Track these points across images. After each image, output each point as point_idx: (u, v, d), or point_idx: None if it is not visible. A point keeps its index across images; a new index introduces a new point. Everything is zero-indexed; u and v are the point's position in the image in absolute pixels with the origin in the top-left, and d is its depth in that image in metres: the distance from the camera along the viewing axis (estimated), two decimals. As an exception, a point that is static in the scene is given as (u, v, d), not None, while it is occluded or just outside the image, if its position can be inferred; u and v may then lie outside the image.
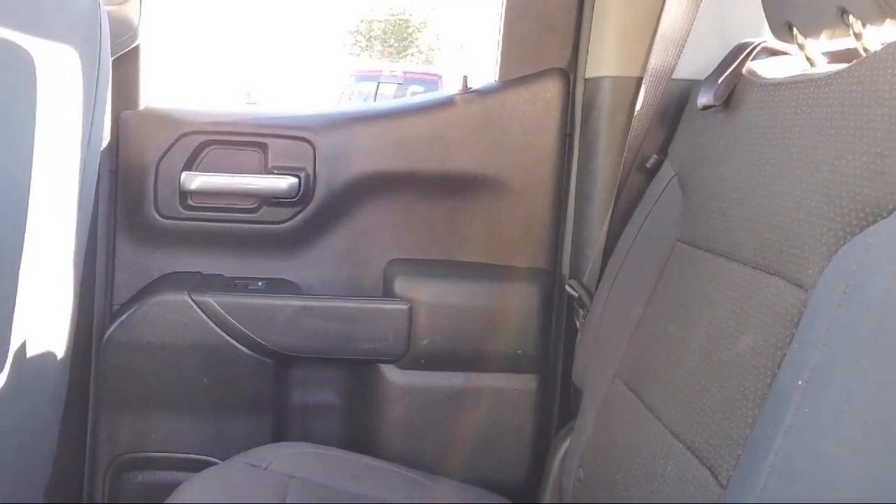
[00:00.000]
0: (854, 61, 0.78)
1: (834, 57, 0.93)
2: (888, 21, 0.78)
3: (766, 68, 1.01)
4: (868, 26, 0.81)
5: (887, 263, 0.62)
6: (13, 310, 0.87)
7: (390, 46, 28.22)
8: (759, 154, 0.89)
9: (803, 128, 0.82)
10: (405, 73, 9.93)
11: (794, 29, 0.92)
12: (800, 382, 0.67)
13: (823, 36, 0.89)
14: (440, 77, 9.52)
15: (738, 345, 0.80)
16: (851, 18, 0.81)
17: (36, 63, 0.81)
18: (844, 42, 0.87)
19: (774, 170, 0.84)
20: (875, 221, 0.67)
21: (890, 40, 0.74)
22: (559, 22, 1.29)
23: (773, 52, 1.06)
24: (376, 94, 9.71)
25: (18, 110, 0.81)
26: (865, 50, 0.82)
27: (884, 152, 0.67)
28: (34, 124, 0.84)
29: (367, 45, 28.87)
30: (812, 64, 0.94)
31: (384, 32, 28.92)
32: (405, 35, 28.26)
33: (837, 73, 0.80)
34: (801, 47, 0.93)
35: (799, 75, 0.90)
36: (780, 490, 0.65)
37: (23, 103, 0.81)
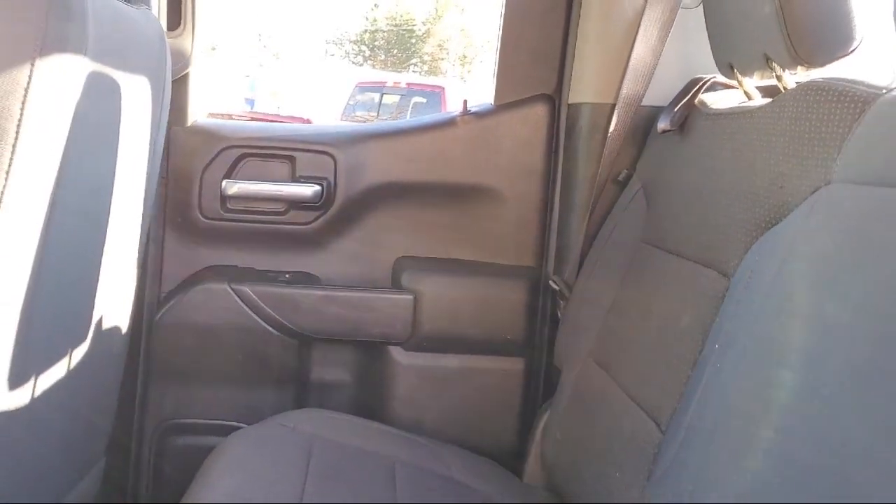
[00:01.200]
0: (772, 98, 0.99)
1: (765, 91, 1.13)
2: (799, 67, 0.99)
3: (714, 99, 1.22)
4: (787, 70, 1.01)
5: (778, 254, 0.83)
6: (95, 294, 1.07)
7: (393, 56, 28.42)
8: (701, 171, 1.10)
9: (734, 150, 1.03)
10: (408, 84, 10.11)
11: (735, 69, 1.12)
12: (716, 346, 0.88)
13: (756, 76, 1.10)
14: (443, 89, 9.69)
15: (680, 323, 1.01)
16: (774, 63, 1.02)
17: (122, 91, 1.02)
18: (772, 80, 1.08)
19: (711, 183, 1.05)
20: (775, 224, 0.87)
21: (802, 81, 0.95)
22: (547, 53, 1.49)
23: (724, 86, 1.27)
24: (379, 104, 9.91)
25: (109, 128, 1.02)
26: (785, 88, 1.03)
27: (783, 172, 0.88)
28: (118, 139, 1.04)
29: (370, 55, 29.09)
30: (749, 97, 1.14)
31: (387, 42, 29.15)
32: (408, 45, 28.49)
33: (760, 107, 1.01)
34: (740, 83, 1.13)
35: (735, 107, 1.11)
36: (699, 427, 0.85)
37: (112, 122, 1.02)
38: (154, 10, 1.38)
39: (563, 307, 1.43)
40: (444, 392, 1.47)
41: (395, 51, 28.67)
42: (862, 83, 0.84)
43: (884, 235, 0.69)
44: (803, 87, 0.91)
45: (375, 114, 9.84)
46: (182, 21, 1.43)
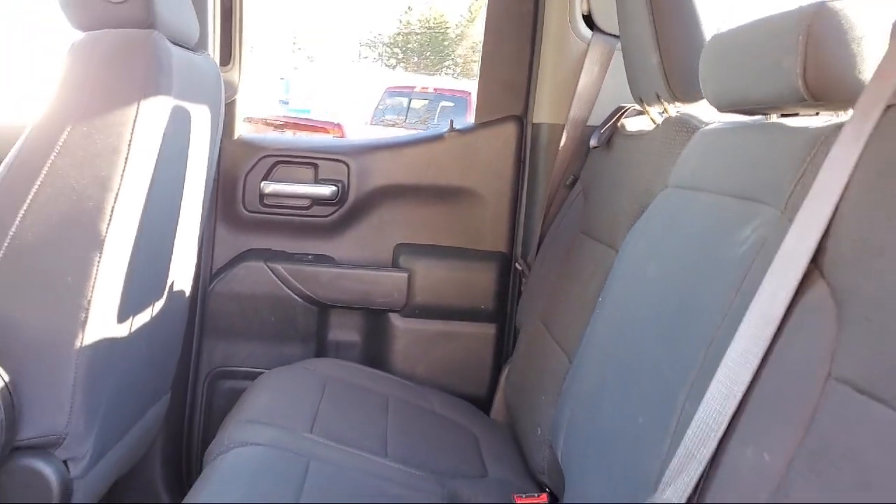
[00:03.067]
0: (654, 126, 1.37)
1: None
2: (677, 102, 1.37)
3: (631, 123, 1.60)
4: (670, 104, 1.39)
5: (635, 234, 1.21)
6: (169, 266, 1.49)
7: (426, 59, 28.82)
8: (614, 177, 1.48)
9: (631, 163, 1.41)
10: (436, 89, 10.43)
11: (643, 101, 1.50)
12: (600, 299, 1.26)
13: (655, 107, 1.47)
14: (469, 94, 10.02)
15: (589, 287, 1.39)
16: (662, 99, 1.40)
17: (192, 118, 1.43)
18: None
19: (618, 187, 1.44)
20: (640, 214, 1.26)
21: (669, 115, 1.32)
22: (517, 82, 1.88)
23: (639, 112, 1.65)
24: (408, 109, 10.29)
25: (183, 145, 1.43)
26: (653, 121, 1.40)
27: (650, 178, 1.26)
28: (188, 154, 1.46)
29: (402, 58, 29.54)
30: (653, 122, 1.52)
31: (420, 45, 29.57)
32: (441, 47, 28.88)
33: (647, 132, 1.39)
34: (647, 112, 1.51)
35: (636, 131, 1.49)
36: (583, 355, 1.24)
37: (184, 141, 1.43)
38: (210, 51, 1.80)
39: (524, 283, 1.82)
40: (431, 349, 1.87)
41: (429, 53, 29.10)
42: (696, 118, 1.23)
43: (686, 224, 1.07)
44: (667, 120, 1.30)
45: (404, 117, 10.22)
46: (232, 58, 1.85)
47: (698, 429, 0.71)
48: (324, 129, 8.15)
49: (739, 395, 0.69)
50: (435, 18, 29.10)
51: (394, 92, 10.84)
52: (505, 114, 1.89)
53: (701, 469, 0.70)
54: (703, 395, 0.73)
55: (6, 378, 1.16)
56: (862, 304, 0.63)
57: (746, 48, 0.94)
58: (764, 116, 1.00)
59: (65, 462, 1.23)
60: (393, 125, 9.55)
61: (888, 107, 0.67)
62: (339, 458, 1.30)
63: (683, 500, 0.70)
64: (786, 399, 0.67)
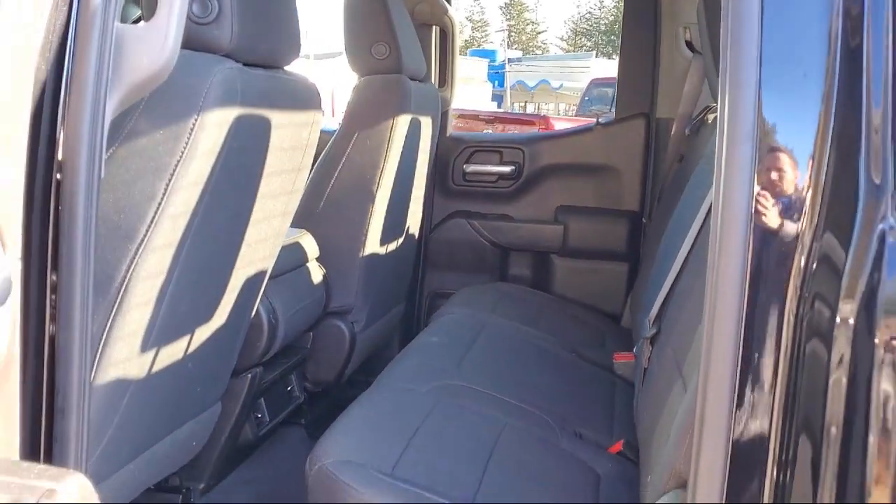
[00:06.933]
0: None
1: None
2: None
3: (712, 117, 2.26)
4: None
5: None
6: (405, 221, 2.40)
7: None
8: (698, 153, 2.18)
9: (709, 144, 2.11)
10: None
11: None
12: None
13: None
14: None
15: (684, 223, 2.11)
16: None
17: (422, 125, 2.33)
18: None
19: (694, 160, 2.13)
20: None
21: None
22: (644, 89, 2.60)
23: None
24: (613, 99, 10.84)
25: (417, 142, 2.33)
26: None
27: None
28: (419, 146, 2.36)
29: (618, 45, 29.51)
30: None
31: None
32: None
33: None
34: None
35: (714, 120, 2.17)
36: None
37: (417, 139, 2.33)
38: (432, 78, 2.70)
39: (644, 237, 2.55)
40: (580, 280, 2.66)
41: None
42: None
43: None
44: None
45: (608, 107, 10.81)
46: (446, 82, 2.75)
47: None
48: (531, 123, 9.00)
49: None
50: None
51: (599, 83, 11.46)
52: (637, 111, 2.62)
53: None
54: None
55: (324, 272, 2.13)
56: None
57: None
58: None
59: (352, 323, 2.18)
60: (598, 116, 10.15)
61: None
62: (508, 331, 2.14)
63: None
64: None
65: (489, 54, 26.08)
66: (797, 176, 0.82)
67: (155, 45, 0.96)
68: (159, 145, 1.20)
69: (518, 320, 2.20)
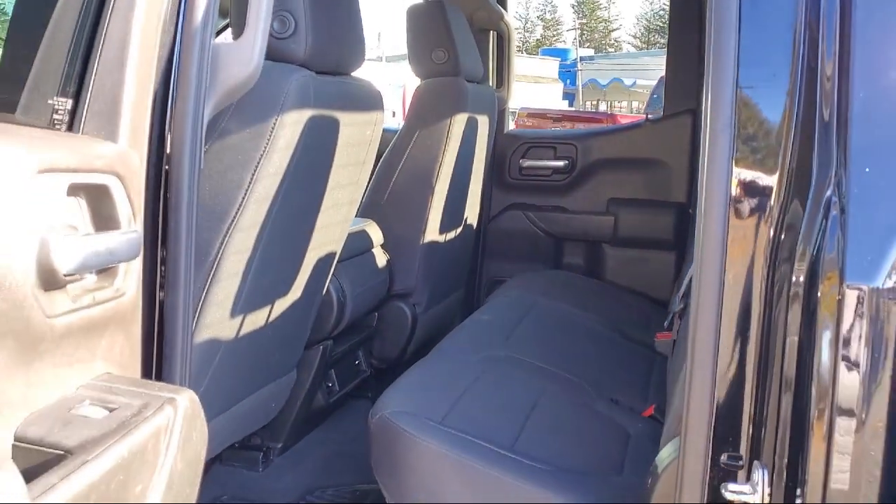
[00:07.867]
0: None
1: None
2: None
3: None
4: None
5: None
6: (463, 212, 2.59)
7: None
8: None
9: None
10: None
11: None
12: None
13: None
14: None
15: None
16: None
17: (479, 124, 2.52)
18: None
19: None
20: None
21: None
22: (691, 87, 2.72)
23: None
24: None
25: (474, 139, 2.52)
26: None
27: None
28: (475, 142, 2.55)
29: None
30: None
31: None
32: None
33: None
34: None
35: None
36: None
37: (474, 136, 2.53)
38: (490, 80, 2.89)
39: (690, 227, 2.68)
40: (629, 268, 2.80)
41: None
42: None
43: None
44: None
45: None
46: (503, 82, 2.94)
47: None
48: (598, 121, 9.10)
49: None
50: None
51: (667, 81, 11.38)
52: (684, 108, 2.75)
53: None
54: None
55: (387, 257, 2.35)
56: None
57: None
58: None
59: (413, 305, 2.39)
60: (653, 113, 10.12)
61: None
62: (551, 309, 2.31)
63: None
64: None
65: (561, 53, 26.06)
66: (768, 159, 0.99)
67: (244, 58, 1.18)
68: (246, 142, 1.41)
69: (566, 302, 2.36)
